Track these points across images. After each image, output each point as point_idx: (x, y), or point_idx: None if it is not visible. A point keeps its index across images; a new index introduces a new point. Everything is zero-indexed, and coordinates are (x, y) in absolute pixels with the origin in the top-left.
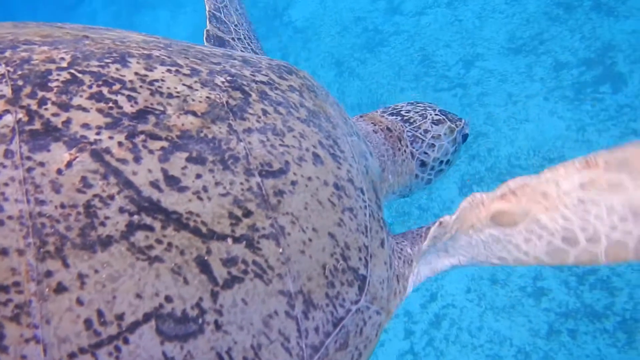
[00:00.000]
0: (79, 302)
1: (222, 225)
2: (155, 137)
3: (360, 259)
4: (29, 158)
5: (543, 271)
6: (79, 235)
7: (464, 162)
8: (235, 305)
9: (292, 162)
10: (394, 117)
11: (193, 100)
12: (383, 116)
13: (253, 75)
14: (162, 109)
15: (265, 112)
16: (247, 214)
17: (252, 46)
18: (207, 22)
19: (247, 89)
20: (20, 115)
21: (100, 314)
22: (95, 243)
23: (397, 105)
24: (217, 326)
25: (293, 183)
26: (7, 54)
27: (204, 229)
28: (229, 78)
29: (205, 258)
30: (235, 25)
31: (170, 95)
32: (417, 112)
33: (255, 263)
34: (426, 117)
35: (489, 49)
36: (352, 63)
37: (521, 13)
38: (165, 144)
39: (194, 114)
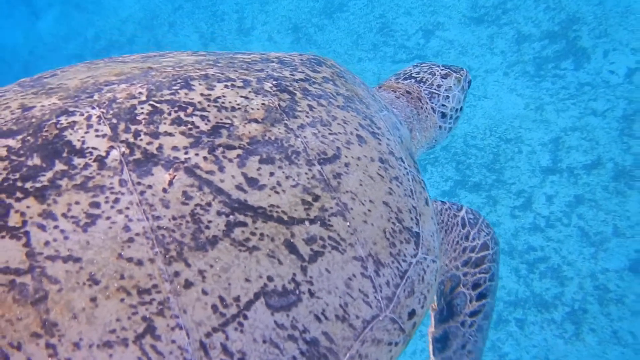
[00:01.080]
0: (204, 292)
1: (298, 211)
2: (230, 147)
3: (412, 219)
4: (139, 183)
5: None
6: (192, 240)
7: None
8: (321, 274)
9: (342, 146)
10: (408, 80)
11: (252, 109)
12: (398, 82)
13: (292, 75)
14: (229, 122)
15: (311, 107)
16: (316, 198)
17: None
18: None
19: (291, 89)
20: (123, 149)
21: (221, 299)
22: (205, 243)
23: (405, 70)
24: (311, 294)
25: (347, 165)
26: (96, 97)
27: (285, 217)
28: (274, 82)
29: (291, 240)
30: None
31: (233, 109)
32: (425, 71)
33: (330, 238)
34: (435, 74)
35: (450, 18)
36: (309, 29)
37: None
38: (239, 151)
39: (256, 121)
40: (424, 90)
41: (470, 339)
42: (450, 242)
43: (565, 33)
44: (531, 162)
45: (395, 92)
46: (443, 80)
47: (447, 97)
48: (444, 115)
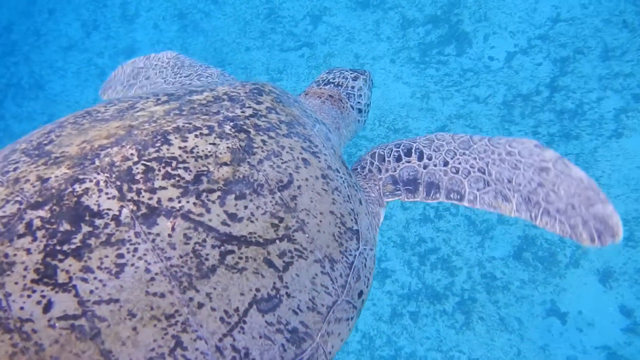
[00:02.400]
0: (212, 309)
1: (270, 233)
2: (211, 190)
3: (351, 219)
4: (149, 233)
5: (387, 251)
6: (197, 271)
7: None
8: (293, 279)
9: (293, 172)
10: (328, 85)
11: (220, 154)
12: (320, 88)
13: (243, 112)
14: (206, 169)
15: (264, 142)
16: (281, 220)
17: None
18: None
19: (245, 127)
20: (131, 207)
21: (226, 312)
22: (207, 272)
23: (322, 77)
24: (288, 295)
25: (299, 187)
26: (97, 162)
27: (261, 240)
28: (232, 124)
29: (269, 257)
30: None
31: (206, 156)
32: (339, 76)
33: (295, 249)
34: (347, 78)
35: (336, 2)
36: (195, 16)
37: None
38: (219, 193)
39: (225, 164)
40: (342, 92)
41: (441, 157)
42: (371, 185)
43: (447, 17)
44: None
45: (320, 97)
46: (355, 82)
47: (360, 95)
48: (360, 111)
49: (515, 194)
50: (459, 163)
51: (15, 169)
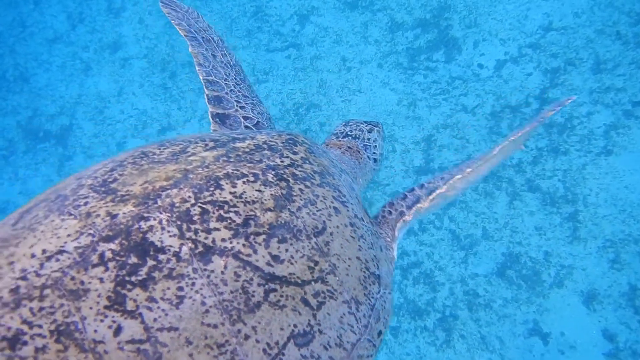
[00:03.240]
0: (257, 341)
1: (306, 275)
2: (258, 233)
3: (374, 265)
4: (205, 270)
5: None
6: (245, 306)
7: None
8: (325, 317)
9: (326, 219)
10: (347, 138)
11: (265, 200)
12: (339, 140)
13: (282, 162)
14: (253, 213)
15: (301, 190)
16: (316, 263)
17: (242, 92)
18: (205, 88)
19: (285, 176)
20: (190, 245)
21: (268, 344)
22: (253, 307)
23: (340, 129)
24: (320, 332)
25: (331, 234)
26: (159, 202)
27: (299, 281)
28: (273, 172)
29: (305, 297)
30: (225, 80)
31: (253, 202)
32: (355, 129)
33: (328, 290)
34: (363, 131)
35: (324, 2)
36: None
37: None
38: (264, 236)
39: (270, 209)
40: (359, 144)
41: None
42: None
43: (437, 22)
44: (405, 162)
45: (340, 149)
46: (370, 134)
47: (376, 146)
48: (375, 160)
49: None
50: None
51: (85, 204)
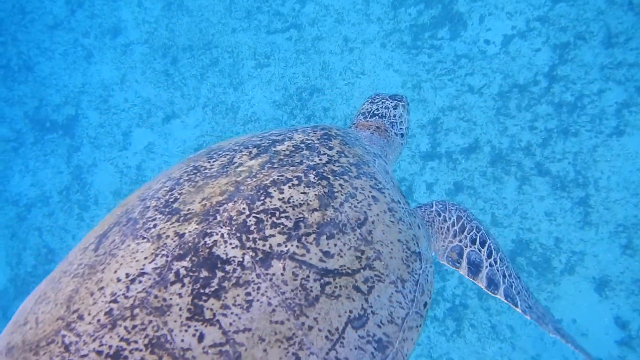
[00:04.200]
0: (319, 330)
1: (355, 264)
2: (308, 234)
3: (415, 244)
4: (266, 274)
5: None
6: (305, 300)
7: (300, 124)
8: (376, 299)
9: (367, 210)
10: (374, 117)
11: (311, 201)
12: (368, 121)
13: (321, 160)
14: (302, 216)
15: (341, 186)
16: (362, 252)
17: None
18: None
19: (325, 174)
20: (251, 253)
21: (329, 331)
22: (313, 301)
23: (366, 108)
24: (373, 313)
25: (373, 222)
26: (219, 217)
27: (349, 271)
28: (314, 172)
29: (356, 284)
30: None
31: (300, 205)
32: (381, 106)
33: (375, 275)
34: (389, 108)
35: None
36: None
37: None
38: (314, 235)
39: (316, 209)
40: (387, 122)
41: (501, 268)
42: (437, 230)
43: None
44: (411, 148)
45: (368, 129)
46: (395, 110)
47: (402, 122)
48: (402, 135)
49: (530, 315)
50: (514, 284)
51: (154, 226)
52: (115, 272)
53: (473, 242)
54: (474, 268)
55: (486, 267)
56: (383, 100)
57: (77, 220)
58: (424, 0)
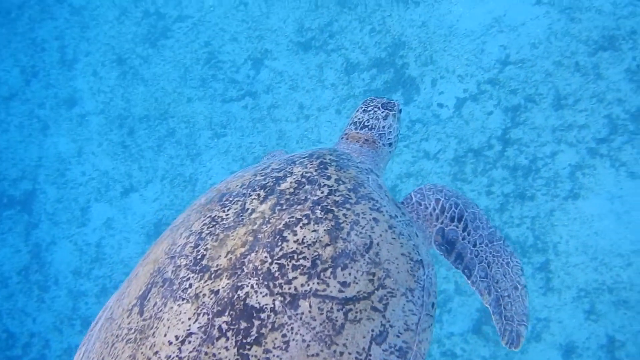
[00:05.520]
0: (349, 353)
1: (369, 287)
2: (325, 269)
3: (416, 252)
4: (297, 314)
5: None
6: (332, 329)
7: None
8: (391, 314)
9: (371, 233)
10: (364, 130)
11: (322, 238)
12: (358, 133)
13: (322, 192)
14: (317, 253)
15: (345, 215)
16: (373, 274)
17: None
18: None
19: (329, 207)
20: (280, 298)
21: (357, 352)
22: (339, 329)
23: (358, 118)
24: (391, 326)
25: (378, 244)
26: (245, 269)
27: (366, 294)
28: (319, 207)
29: (373, 305)
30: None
31: (314, 243)
32: (372, 117)
33: (388, 292)
34: (378, 119)
35: (277, 44)
36: (134, 61)
37: None
38: (330, 269)
39: (327, 244)
40: (375, 134)
41: (473, 239)
42: (424, 221)
43: (392, 60)
44: None
45: (358, 141)
46: (385, 121)
47: (390, 132)
48: (390, 144)
49: (494, 293)
50: (481, 251)
51: (190, 286)
52: (165, 335)
53: (452, 219)
54: (449, 246)
55: (460, 241)
56: (375, 110)
57: (37, 302)
58: (376, 64)
